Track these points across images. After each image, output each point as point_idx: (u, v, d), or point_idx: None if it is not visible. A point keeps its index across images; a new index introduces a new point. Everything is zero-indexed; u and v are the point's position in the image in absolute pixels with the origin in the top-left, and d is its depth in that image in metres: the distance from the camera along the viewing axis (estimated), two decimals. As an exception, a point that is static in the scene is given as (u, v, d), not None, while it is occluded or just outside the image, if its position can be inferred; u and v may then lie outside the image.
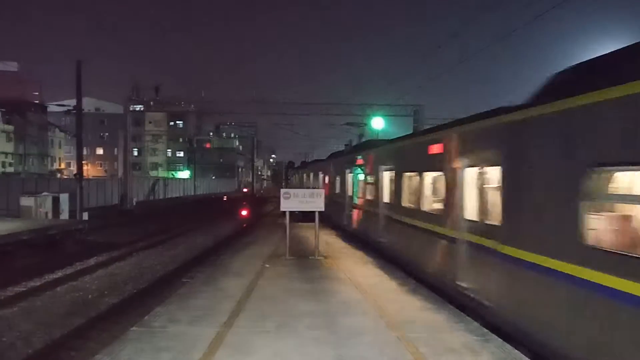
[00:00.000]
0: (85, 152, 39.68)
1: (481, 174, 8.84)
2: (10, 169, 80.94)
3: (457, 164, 9.77)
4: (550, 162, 6.75)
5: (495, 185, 8.30)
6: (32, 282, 16.08)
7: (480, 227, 8.68)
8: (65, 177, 68.55)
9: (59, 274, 17.65)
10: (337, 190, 24.85)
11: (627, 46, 6.08)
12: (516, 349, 7.01)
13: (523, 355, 6.78)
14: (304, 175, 42.11)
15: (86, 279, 17.18)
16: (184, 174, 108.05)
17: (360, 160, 19.79)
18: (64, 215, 31.24)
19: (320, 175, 31.89)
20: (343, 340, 7.41)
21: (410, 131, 39.93)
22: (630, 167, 5.56)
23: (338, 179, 25.14)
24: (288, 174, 61.24)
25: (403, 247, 13.65)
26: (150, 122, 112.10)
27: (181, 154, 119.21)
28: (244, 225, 34.66)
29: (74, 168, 50.39)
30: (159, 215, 43.57)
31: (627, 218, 6.24)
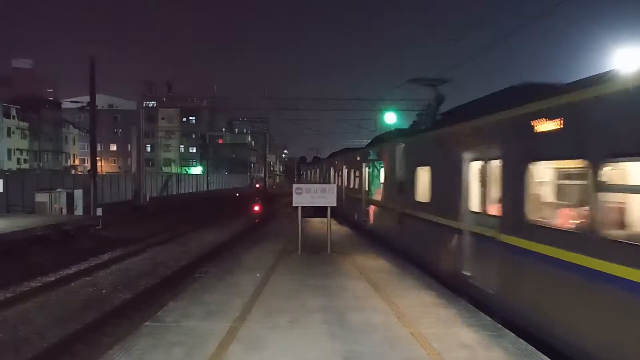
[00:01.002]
0: (99, 148, 39.86)
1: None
2: (26, 166, 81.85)
3: None
4: None
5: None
6: (46, 277, 16.21)
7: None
8: (80, 173, 69.02)
9: (73, 269, 17.78)
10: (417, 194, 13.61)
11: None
12: (530, 344, 6.95)
13: (537, 351, 6.72)
14: (331, 169, 32.05)
15: (100, 274, 17.30)
16: (197, 169, 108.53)
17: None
18: (78, 211, 31.52)
19: (365, 170, 20.92)
20: (355, 335, 7.39)
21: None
22: None
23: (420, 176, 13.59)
24: (300, 169, 60.90)
25: None
26: (163, 118, 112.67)
27: (194, 149, 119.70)
28: (257, 220, 34.74)
29: (88, 164, 50.72)
30: (172, 211, 43.77)
31: None
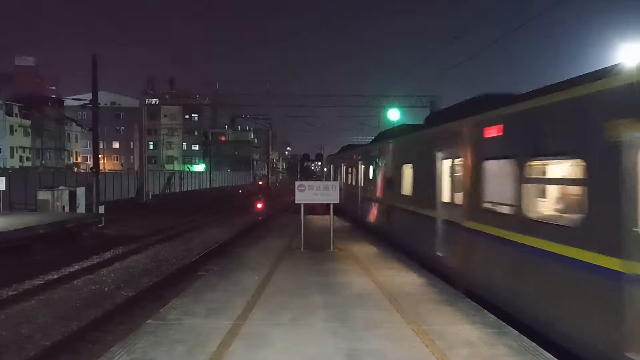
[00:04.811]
0: (101, 145, 39.89)
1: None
2: (28, 164, 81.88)
3: None
4: None
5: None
6: (49, 275, 16.23)
7: None
8: (82, 171, 69.06)
9: (75, 267, 17.80)
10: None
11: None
12: (534, 341, 6.92)
13: (540, 348, 6.69)
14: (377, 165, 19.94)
15: (103, 272, 17.31)
16: (200, 167, 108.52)
17: None
18: (81, 208, 31.49)
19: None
20: (358, 333, 7.36)
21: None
22: None
23: None
24: (303, 166, 60.69)
25: None
26: (165, 116, 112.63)
27: (197, 147, 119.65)
28: (259, 218, 34.76)
29: (90, 162, 50.80)
30: (175, 208, 43.80)
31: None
